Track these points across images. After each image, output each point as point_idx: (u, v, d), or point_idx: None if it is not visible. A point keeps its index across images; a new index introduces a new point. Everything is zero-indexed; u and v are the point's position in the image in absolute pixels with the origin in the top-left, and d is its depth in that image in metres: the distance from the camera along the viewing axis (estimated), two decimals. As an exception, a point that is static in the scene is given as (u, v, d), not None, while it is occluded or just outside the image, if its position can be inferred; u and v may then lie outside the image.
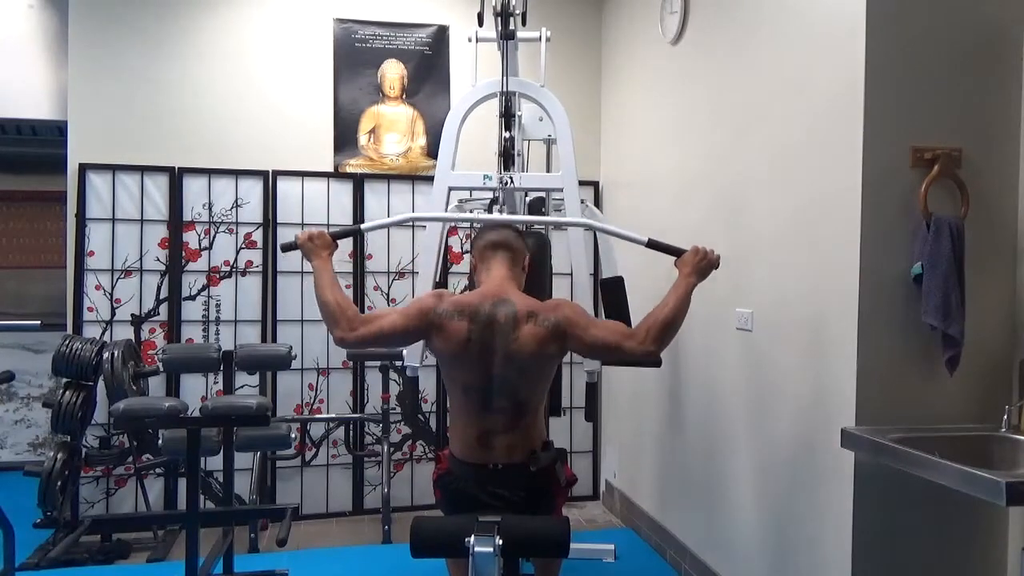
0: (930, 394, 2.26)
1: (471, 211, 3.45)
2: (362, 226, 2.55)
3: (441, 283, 2.97)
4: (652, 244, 2.34)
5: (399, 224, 2.89)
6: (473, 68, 2.93)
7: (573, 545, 1.97)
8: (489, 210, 3.11)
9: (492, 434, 2.07)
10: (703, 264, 2.21)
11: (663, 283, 3.56)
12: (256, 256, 4.09)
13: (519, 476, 2.06)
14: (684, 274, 2.19)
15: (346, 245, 4.16)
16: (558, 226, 2.88)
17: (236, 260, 4.06)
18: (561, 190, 2.82)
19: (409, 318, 2.12)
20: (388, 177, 4.24)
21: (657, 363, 3.08)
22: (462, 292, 2.25)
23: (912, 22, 2.24)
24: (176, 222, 4.00)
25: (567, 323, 2.08)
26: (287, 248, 2.33)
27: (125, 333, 3.91)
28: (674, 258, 2.28)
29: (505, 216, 2.78)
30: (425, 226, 3.00)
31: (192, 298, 4.02)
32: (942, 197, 2.24)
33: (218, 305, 4.04)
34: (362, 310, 4.14)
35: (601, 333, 2.12)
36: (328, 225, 4.14)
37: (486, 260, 2.23)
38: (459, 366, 2.11)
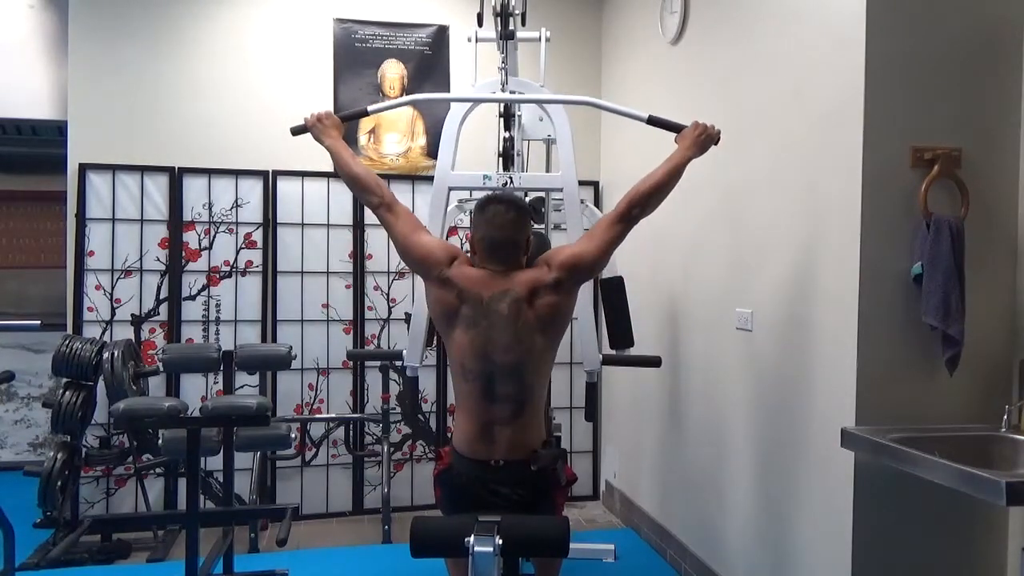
0: (930, 394, 2.26)
1: (470, 211, 3.45)
2: (369, 107, 2.57)
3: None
4: (652, 120, 2.37)
5: (407, 104, 2.94)
6: (473, 68, 2.93)
7: (573, 545, 1.98)
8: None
9: (494, 426, 2.07)
10: (703, 138, 2.26)
11: (663, 283, 3.59)
12: (256, 256, 4.09)
13: (520, 474, 2.06)
14: (682, 147, 2.25)
15: (346, 245, 4.17)
16: (564, 99, 2.87)
17: (236, 260, 4.06)
18: (561, 190, 2.82)
19: (421, 249, 2.17)
20: (388, 177, 4.23)
21: (657, 363, 3.10)
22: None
23: (912, 22, 2.24)
24: (176, 222, 4.00)
25: (564, 269, 2.11)
26: (297, 131, 2.41)
27: (125, 333, 3.91)
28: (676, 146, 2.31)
29: (507, 95, 2.79)
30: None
31: (192, 298, 4.02)
32: (942, 197, 2.24)
33: (218, 305, 4.04)
34: (363, 311, 4.17)
35: (594, 245, 2.15)
36: (328, 226, 4.15)
37: (485, 256, 2.15)
38: (451, 338, 2.12)
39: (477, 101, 2.82)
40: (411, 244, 2.19)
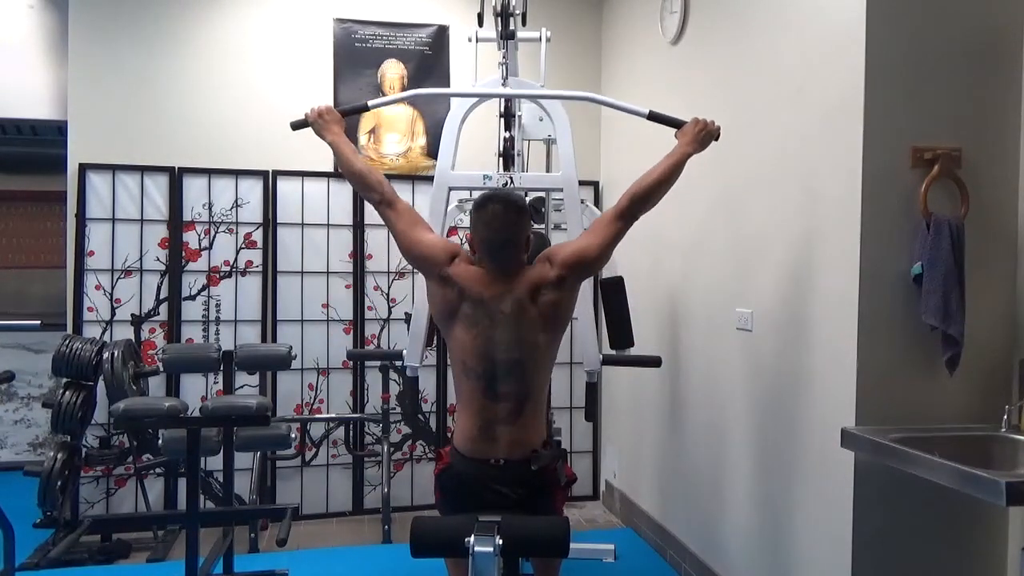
0: (930, 394, 2.26)
1: (471, 212, 3.45)
2: (369, 102, 2.55)
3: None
4: (653, 116, 2.36)
5: (408, 98, 2.94)
6: (473, 68, 2.93)
7: (573, 545, 1.97)
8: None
9: (496, 424, 2.07)
10: (703, 134, 2.24)
11: (663, 283, 3.59)
12: (256, 256, 4.09)
13: (520, 473, 2.06)
14: (682, 143, 2.24)
15: (346, 245, 4.17)
16: (564, 95, 2.85)
17: (236, 260, 4.06)
18: (561, 190, 2.83)
19: (422, 247, 2.17)
20: (388, 177, 4.21)
21: (657, 363, 3.10)
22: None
23: (912, 22, 2.24)
24: (176, 222, 4.00)
25: (566, 267, 2.11)
26: (297, 126, 2.40)
27: (125, 333, 3.91)
28: (675, 132, 2.31)
29: (508, 91, 2.77)
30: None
31: (192, 298, 4.02)
32: (942, 197, 2.24)
33: (218, 305, 4.04)
34: (362, 311, 4.17)
35: (596, 242, 2.15)
36: (328, 226, 4.15)
37: (485, 254, 2.14)
38: (452, 335, 2.12)
39: (477, 96, 2.82)
40: (412, 241, 2.19)
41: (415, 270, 4.08)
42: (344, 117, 2.35)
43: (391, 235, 2.27)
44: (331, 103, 4.08)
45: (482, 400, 2.08)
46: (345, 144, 2.29)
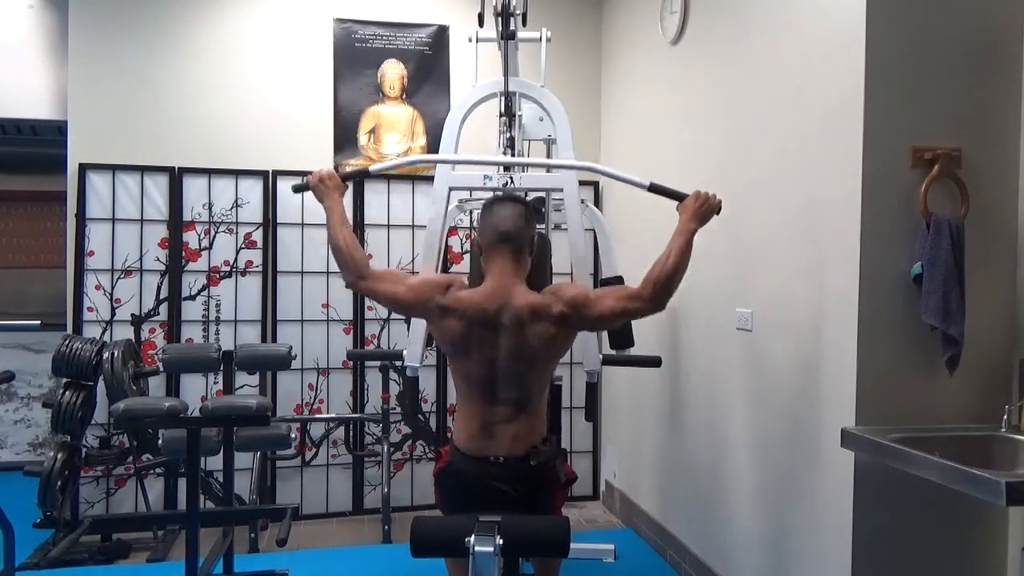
0: (930, 394, 2.26)
1: (471, 212, 3.45)
2: (371, 168, 2.54)
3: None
4: (654, 188, 2.33)
5: (407, 165, 2.93)
6: (473, 68, 2.93)
7: (573, 545, 1.98)
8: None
9: (495, 424, 2.08)
10: (704, 209, 2.21)
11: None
12: (256, 256, 4.09)
13: (520, 470, 2.06)
14: (684, 220, 2.20)
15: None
16: (565, 164, 2.83)
17: (236, 260, 4.06)
18: (561, 190, 2.82)
19: (408, 294, 2.15)
20: (388, 177, 4.24)
21: (657, 363, 3.10)
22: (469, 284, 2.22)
23: (912, 22, 2.24)
24: (176, 222, 4.00)
25: (571, 306, 2.09)
26: (298, 189, 2.37)
27: (125, 333, 3.91)
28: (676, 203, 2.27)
29: (510, 159, 2.76)
30: (425, 226, 2.99)
31: (192, 298, 4.02)
32: (942, 197, 2.24)
33: (218, 305, 4.04)
34: (362, 311, 4.17)
35: (607, 304, 2.12)
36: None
37: (491, 253, 2.18)
38: (459, 359, 2.13)
39: (478, 163, 2.85)
40: (399, 295, 2.16)
41: (415, 270, 4.11)
42: (344, 183, 2.30)
43: (382, 302, 2.24)
44: (331, 106, 4.14)
45: (482, 403, 2.09)
46: (338, 214, 2.23)
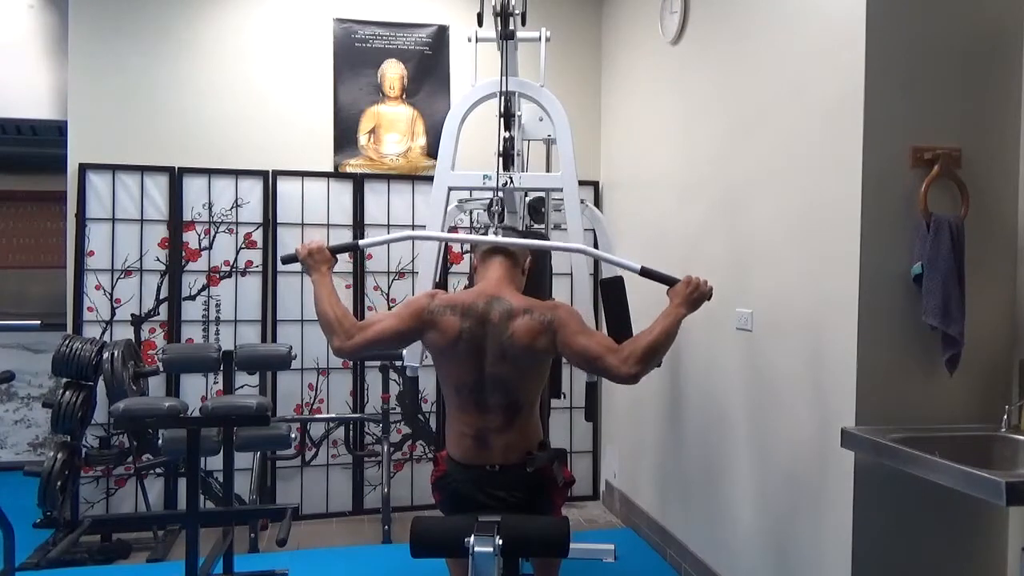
0: (930, 394, 2.26)
1: (471, 212, 3.46)
2: (360, 242, 2.52)
3: (441, 284, 2.97)
4: (645, 272, 2.28)
5: (397, 241, 2.90)
6: (473, 68, 2.93)
7: (573, 545, 1.98)
8: (488, 209, 3.11)
9: (488, 433, 2.08)
10: (694, 296, 2.18)
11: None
12: (256, 256, 4.09)
13: (517, 477, 2.06)
14: (674, 304, 2.16)
15: (346, 245, 4.16)
16: (557, 246, 2.78)
17: (236, 260, 4.06)
18: (561, 190, 2.82)
19: (402, 320, 2.14)
20: (388, 177, 4.24)
21: (657, 363, 3.09)
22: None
23: (912, 22, 2.24)
24: (176, 222, 4.00)
25: (559, 323, 2.08)
26: (287, 260, 2.33)
27: (125, 333, 3.91)
28: (667, 287, 2.24)
29: (501, 239, 2.66)
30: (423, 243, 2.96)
31: (192, 298, 4.02)
32: (942, 197, 2.24)
33: (218, 305, 4.04)
34: (362, 311, 4.17)
35: (586, 342, 2.08)
36: (328, 226, 4.15)
37: (485, 262, 2.24)
38: (452, 362, 2.12)
39: (453, 241, 2.78)
40: (394, 324, 2.14)
41: (415, 270, 4.11)
42: (334, 256, 2.27)
43: (383, 344, 2.21)
44: (331, 107, 4.14)
45: (472, 412, 2.10)
46: (325, 287, 2.20)
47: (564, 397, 4.20)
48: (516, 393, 2.09)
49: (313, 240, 2.31)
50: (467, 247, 4.20)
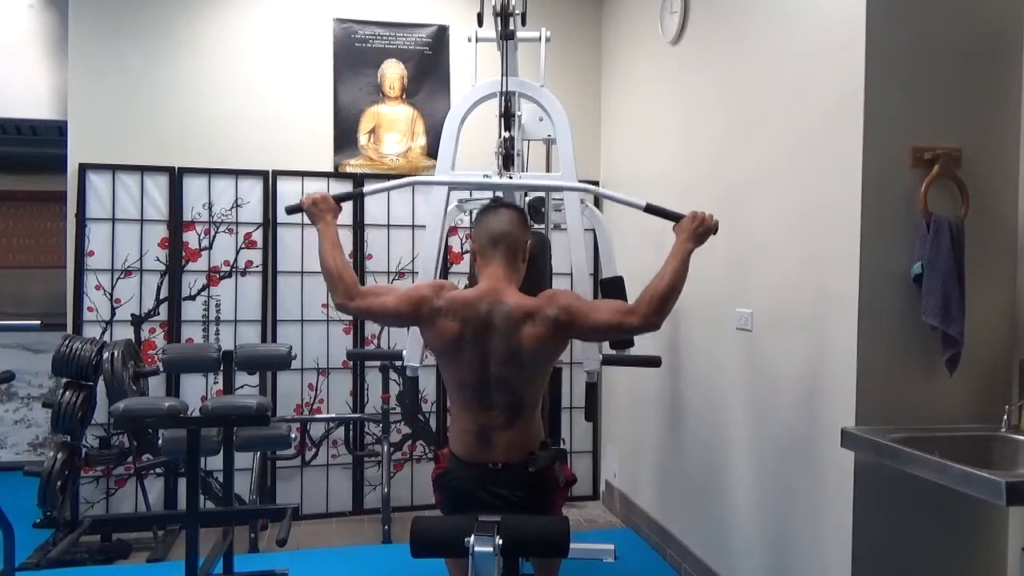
0: (930, 394, 2.26)
1: (471, 212, 3.45)
2: (364, 189, 2.55)
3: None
4: (650, 208, 2.33)
5: (401, 187, 2.93)
6: (473, 68, 2.93)
7: (573, 545, 1.97)
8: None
9: (491, 431, 2.07)
10: (700, 230, 2.19)
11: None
12: (256, 256, 4.09)
13: (518, 476, 2.06)
14: (681, 240, 2.19)
15: (346, 245, 4.15)
16: (561, 186, 2.81)
17: (236, 260, 4.06)
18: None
19: (401, 303, 2.14)
20: (388, 177, 4.23)
21: (657, 363, 3.10)
22: (465, 287, 2.24)
23: (912, 22, 2.24)
24: (176, 222, 4.00)
25: (566, 313, 2.07)
26: (292, 210, 2.36)
27: (125, 333, 3.91)
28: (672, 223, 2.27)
29: (508, 181, 2.76)
30: (424, 226, 2.99)
31: (192, 298, 4.02)
32: (942, 197, 2.24)
33: (218, 305, 4.04)
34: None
35: (602, 315, 2.11)
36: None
37: (486, 255, 2.19)
38: (453, 364, 2.12)
39: (473, 187, 2.83)
40: (392, 303, 2.15)
41: (415, 270, 4.11)
42: (339, 204, 2.30)
43: (378, 323, 2.22)
44: (331, 107, 4.14)
45: (476, 409, 2.09)
46: (329, 237, 2.24)
47: (564, 414, 4.22)
48: (520, 392, 2.08)
49: (316, 192, 2.33)
50: (467, 247, 4.20)
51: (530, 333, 2.06)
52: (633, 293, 3.14)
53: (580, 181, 2.92)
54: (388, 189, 2.98)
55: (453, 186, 2.81)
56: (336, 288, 2.18)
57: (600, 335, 2.20)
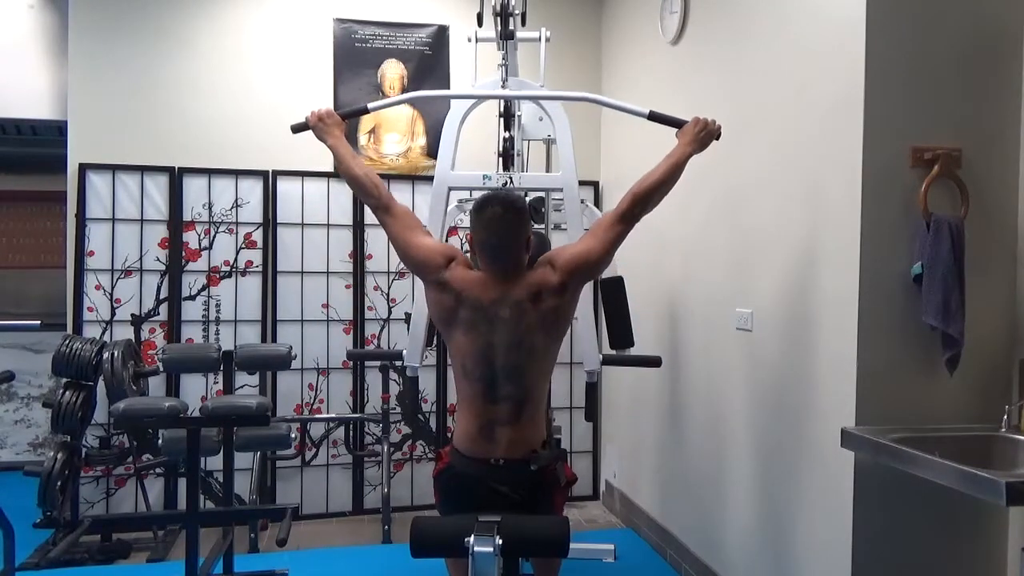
0: (930, 394, 2.26)
1: (471, 212, 3.45)
2: (369, 105, 2.56)
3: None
4: (653, 116, 2.35)
5: (406, 101, 2.94)
6: (473, 68, 2.93)
7: (573, 545, 1.97)
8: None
9: (495, 425, 2.07)
10: (703, 134, 2.23)
11: (663, 283, 3.58)
12: (256, 256, 4.09)
13: (520, 473, 2.06)
14: (683, 143, 2.23)
15: (346, 245, 4.17)
16: (563, 96, 2.85)
17: (236, 260, 4.06)
18: (561, 190, 2.82)
19: (419, 249, 2.16)
20: (388, 177, 4.22)
21: (657, 363, 3.10)
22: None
23: (912, 22, 2.24)
24: (176, 222, 4.00)
25: (564, 267, 2.10)
26: (297, 129, 2.39)
27: (125, 333, 3.91)
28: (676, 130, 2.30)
29: (508, 92, 2.78)
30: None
31: (192, 298, 4.02)
32: (942, 197, 2.24)
33: (218, 305, 4.04)
34: (362, 311, 4.16)
35: (596, 244, 2.14)
36: (328, 226, 4.15)
37: (485, 261, 2.14)
38: (451, 340, 2.12)
39: (477, 97, 2.82)
40: (409, 246, 2.19)
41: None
42: (344, 120, 2.35)
43: (391, 240, 2.26)
44: (331, 105, 4.13)
45: (482, 402, 2.09)
46: (345, 148, 2.30)
47: (564, 414, 4.21)
48: (527, 383, 2.07)
49: (321, 107, 2.37)
50: (467, 248, 4.20)
51: (547, 306, 2.08)
52: (633, 291, 3.14)
53: (580, 181, 2.93)
54: (394, 103, 2.96)
55: (455, 97, 2.88)
56: (368, 191, 2.24)
57: (610, 258, 2.21)
